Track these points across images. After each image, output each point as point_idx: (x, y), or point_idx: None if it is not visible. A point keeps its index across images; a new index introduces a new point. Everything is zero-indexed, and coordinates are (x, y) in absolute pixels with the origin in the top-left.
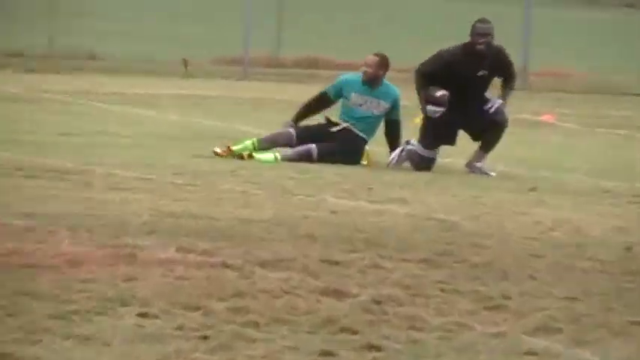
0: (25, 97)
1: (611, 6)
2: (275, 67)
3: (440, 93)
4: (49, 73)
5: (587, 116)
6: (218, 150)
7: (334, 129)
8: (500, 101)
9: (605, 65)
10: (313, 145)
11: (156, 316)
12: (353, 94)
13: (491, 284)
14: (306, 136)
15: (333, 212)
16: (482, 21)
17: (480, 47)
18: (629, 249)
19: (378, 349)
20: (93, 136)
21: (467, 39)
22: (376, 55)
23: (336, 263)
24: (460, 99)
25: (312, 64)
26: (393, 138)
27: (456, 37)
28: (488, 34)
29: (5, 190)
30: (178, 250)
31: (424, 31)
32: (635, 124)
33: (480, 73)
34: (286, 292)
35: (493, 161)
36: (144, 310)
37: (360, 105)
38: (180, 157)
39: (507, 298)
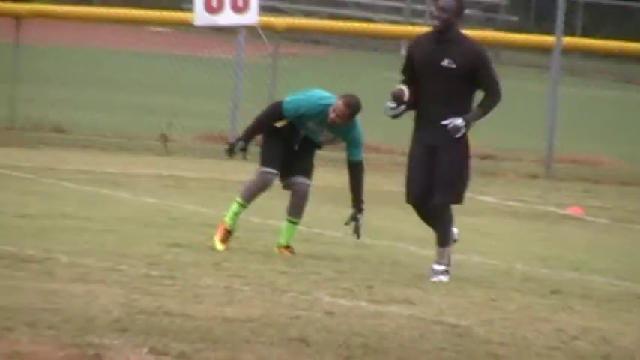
0: None
1: None
2: None
3: (396, 88)
4: (10, 147)
5: (619, 210)
6: (219, 246)
7: (296, 147)
8: (461, 121)
9: (638, 153)
10: (306, 182)
11: None
12: (310, 124)
13: None
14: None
15: (329, 313)
16: None
17: (435, 23)
18: None
19: None
20: (58, 219)
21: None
22: (348, 106)
23: None
24: (425, 94)
25: None
26: (353, 185)
27: None
28: (444, 9)
29: None
30: (151, 351)
31: None
32: None
33: (446, 62)
34: None
35: (511, 261)
36: None
37: (315, 133)
38: (157, 245)
39: None
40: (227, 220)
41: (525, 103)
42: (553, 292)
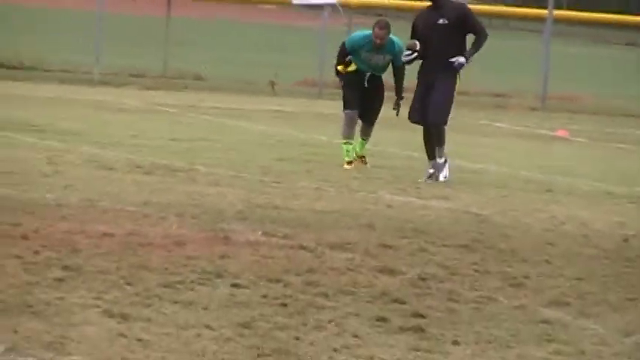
0: (143, 110)
1: (615, 44)
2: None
3: (410, 42)
4: (163, 90)
5: (594, 132)
6: (347, 167)
7: (366, 84)
8: (462, 59)
9: (609, 91)
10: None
11: (245, 287)
12: (363, 53)
13: (514, 266)
14: (361, 109)
15: (389, 206)
16: None
17: None
18: (626, 240)
19: (422, 316)
20: (197, 141)
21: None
22: (382, 28)
23: (390, 247)
24: (428, 47)
25: None
26: (397, 81)
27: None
28: None
29: (126, 184)
30: (264, 234)
31: None
32: (633, 140)
33: (440, 21)
34: (350, 270)
35: (517, 169)
36: (235, 281)
37: (369, 59)
38: (267, 159)
39: (527, 277)
40: (345, 158)
41: (527, 57)
42: (547, 190)
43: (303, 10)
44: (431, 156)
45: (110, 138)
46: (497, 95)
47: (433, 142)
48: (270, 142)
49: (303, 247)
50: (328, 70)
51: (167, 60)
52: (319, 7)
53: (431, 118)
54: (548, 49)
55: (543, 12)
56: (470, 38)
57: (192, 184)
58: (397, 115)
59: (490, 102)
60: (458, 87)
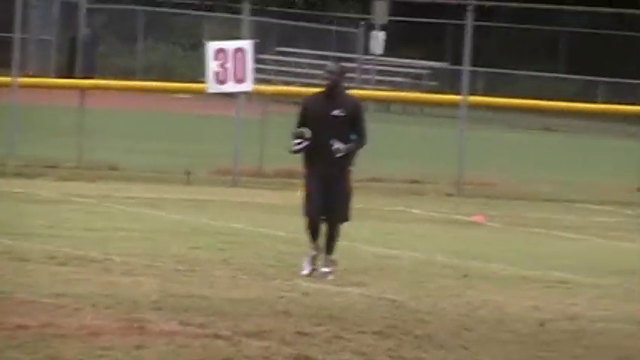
0: (58, 200)
1: (531, 129)
2: (259, 176)
3: (299, 130)
4: (78, 181)
5: (509, 217)
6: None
7: None
8: (340, 145)
9: (524, 176)
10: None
11: None
12: None
13: (430, 352)
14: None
15: (305, 293)
16: (333, 62)
17: (325, 83)
18: (542, 324)
19: None
20: (112, 231)
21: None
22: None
23: (306, 334)
24: (319, 138)
25: (290, 174)
26: None
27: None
28: (331, 71)
29: (41, 275)
30: (180, 323)
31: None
32: (548, 224)
33: (336, 112)
34: (266, 358)
35: (433, 254)
36: None
37: None
38: (182, 248)
39: None
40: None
41: (442, 142)
42: (463, 275)
43: (217, 98)
44: (316, 237)
45: (24, 229)
46: (413, 182)
47: (327, 246)
48: (184, 230)
49: (218, 336)
50: (243, 159)
51: (82, 151)
52: (234, 94)
53: (340, 219)
54: (463, 135)
55: (458, 98)
56: None
57: (106, 274)
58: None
59: (405, 188)
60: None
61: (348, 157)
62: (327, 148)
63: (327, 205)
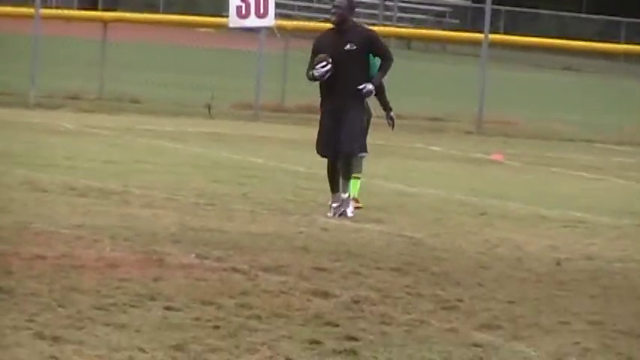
0: (78, 132)
1: (552, 69)
2: (280, 111)
3: (321, 55)
4: (99, 113)
5: (529, 156)
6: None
7: None
8: (371, 86)
9: (545, 115)
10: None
11: (178, 309)
12: None
13: (447, 289)
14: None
15: (323, 229)
16: None
17: (332, 18)
18: (559, 263)
19: (355, 339)
20: (132, 163)
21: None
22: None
23: (324, 270)
24: (333, 74)
25: (310, 110)
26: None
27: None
28: (338, 6)
29: (60, 206)
30: (197, 256)
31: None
32: (567, 164)
33: (348, 46)
34: (283, 292)
35: (452, 192)
36: (168, 304)
37: None
38: (202, 182)
39: (460, 300)
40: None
41: (464, 81)
42: (481, 213)
43: (239, 33)
44: (335, 189)
45: (44, 160)
46: (433, 119)
47: (342, 174)
48: (205, 164)
49: (236, 270)
50: (264, 93)
51: (103, 83)
52: (256, 30)
53: (346, 149)
54: (485, 73)
55: (479, 36)
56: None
57: (125, 207)
58: (392, 129)
59: (426, 126)
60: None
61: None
62: (342, 83)
63: (338, 140)
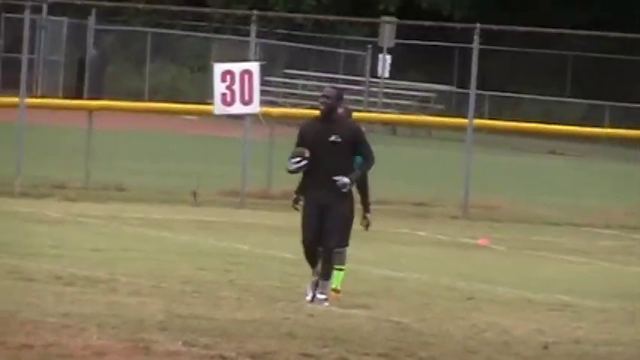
0: (64, 221)
1: (536, 152)
2: (266, 198)
3: (299, 149)
4: (85, 202)
5: (515, 240)
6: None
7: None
8: (346, 179)
9: (530, 199)
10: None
11: None
12: None
13: None
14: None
15: (310, 315)
16: (329, 86)
17: (321, 107)
18: (545, 347)
19: None
20: (119, 251)
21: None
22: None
23: (311, 356)
24: (317, 164)
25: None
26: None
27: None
28: (327, 96)
29: (47, 294)
30: (184, 344)
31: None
32: (553, 248)
33: (333, 137)
34: None
35: (439, 277)
36: None
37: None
38: (189, 269)
39: None
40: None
41: (449, 165)
42: (468, 298)
43: (224, 120)
44: (314, 264)
45: (31, 249)
46: (419, 204)
47: (321, 275)
48: (191, 251)
49: (223, 358)
50: (250, 180)
51: (89, 171)
52: (240, 116)
53: (332, 244)
54: (470, 158)
55: (464, 121)
56: None
57: (112, 295)
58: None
59: (411, 211)
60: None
61: (351, 178)
62: (325, 174)
63: (323, 231)
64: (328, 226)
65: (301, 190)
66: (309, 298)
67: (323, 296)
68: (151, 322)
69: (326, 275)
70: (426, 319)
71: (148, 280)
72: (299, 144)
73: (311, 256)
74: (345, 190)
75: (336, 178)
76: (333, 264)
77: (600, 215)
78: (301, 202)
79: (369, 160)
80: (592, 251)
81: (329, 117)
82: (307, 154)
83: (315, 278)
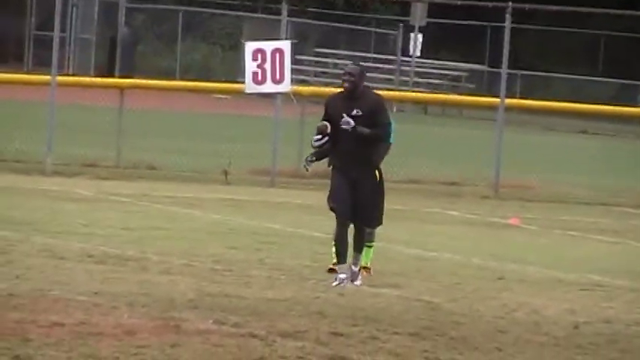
0: (96, 199)
1: (567, 132)
2: (297, 177)
3: (321, 124)
4: (116, 180)
5: (546, 220)
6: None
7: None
8: (352, 122)
9: (561, 179)
10: None
11: None
12: None
13: (465, 354)
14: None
15: (340, 294)
16: (353, 63)
17: (344, 84)
18: (577, 327)
19: None
20: (149, 230)
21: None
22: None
23: (341, 335)
24: (341, 138)
25: (327, 175)
26: None
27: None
28: (350, 73)
29: (78, 273)
30: (215, 322)
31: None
32: (584, 227)
33: (354, 112)
34: (301, 358)
35: (470, 257)
36: None
37: None
38: (219, 248)
39: None
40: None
41: (480, 145)
42: (499, 278)
43: (255, 99)
44: (343, 260)
45: (62, 227)
46: (450, 183)
47: (355, 247)
48: (222, 230)
49: (253, 336)
50: (281, 159)
51: (120, 150)
52: (272, 96)
53: (366, 223)
54: (501, 138)
55: (496, 100)
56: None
57: (143, 273)
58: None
59: (442, 190)
60: (386, 177)
61: (373, 158)
62: (349, 148)
63: (357, 207)
64: (361, 203)
65: (330, 161)
66: (335, 283)
67: (356, 268)
68: (182, 300)
69: (358, 248)
70: (457, 298)
71: (179, 258)
72: (324, 117)
73: (343, 242)
74: (345, 127)
75: (342, 120)
76: (365, 237)
77: (631, 195)
78: (313, 165)
79: (379, 131)
80: (623, 231)
81: (352, 94)
82: (329, 129)
83: (343, 275)
